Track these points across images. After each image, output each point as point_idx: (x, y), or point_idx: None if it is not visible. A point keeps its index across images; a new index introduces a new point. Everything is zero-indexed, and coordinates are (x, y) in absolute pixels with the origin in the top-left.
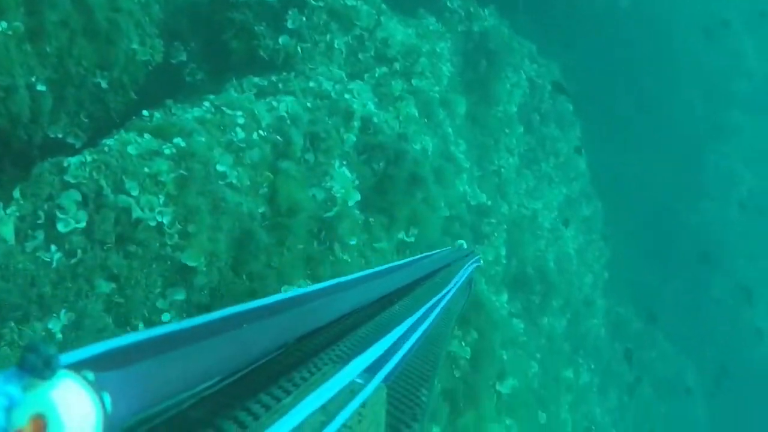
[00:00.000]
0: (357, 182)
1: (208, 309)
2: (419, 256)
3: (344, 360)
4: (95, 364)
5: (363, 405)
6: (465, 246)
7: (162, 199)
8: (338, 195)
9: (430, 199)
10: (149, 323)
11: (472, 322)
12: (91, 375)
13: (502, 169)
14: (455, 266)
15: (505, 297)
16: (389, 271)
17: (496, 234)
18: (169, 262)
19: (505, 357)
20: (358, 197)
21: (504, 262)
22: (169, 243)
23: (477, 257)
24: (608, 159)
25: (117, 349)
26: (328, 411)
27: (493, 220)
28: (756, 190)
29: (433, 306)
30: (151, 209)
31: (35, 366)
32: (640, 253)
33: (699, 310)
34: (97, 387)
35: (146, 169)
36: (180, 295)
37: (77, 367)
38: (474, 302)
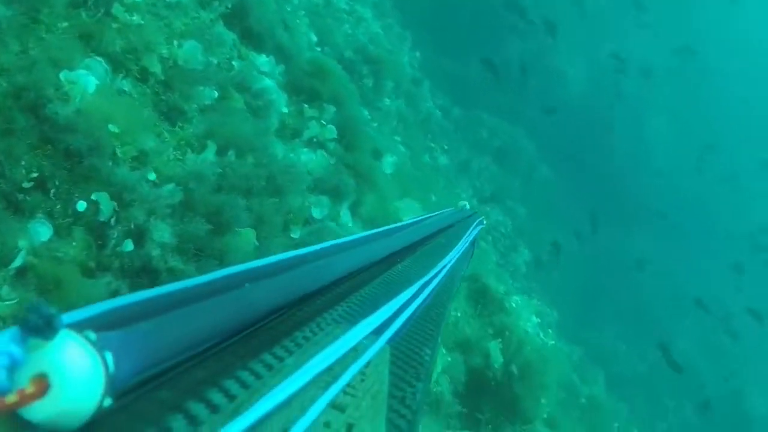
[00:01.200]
0: None
1: None
2: (422, 216)
3: (347, 321)
4: (97, 323)
5: (366, 365)
6: (468, 207)
7: None
8: None
9: None
10: None
11: (323, 93)
12: (93, 335)
13: None
14: (459, 227)
15: None
16: (392, 231)
17: (298, 21)
18: None
19: (371, 133)
20: None
21: (318, 49)
22: None
23: (481, 218)
24: None
25: (118, 308)
26: (333, 371)
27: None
28: None
29: (439, 269)
30: None
31: (37, 326)
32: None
33: None
34: (99, 346)
35: None
36: None
37: (79, 327)
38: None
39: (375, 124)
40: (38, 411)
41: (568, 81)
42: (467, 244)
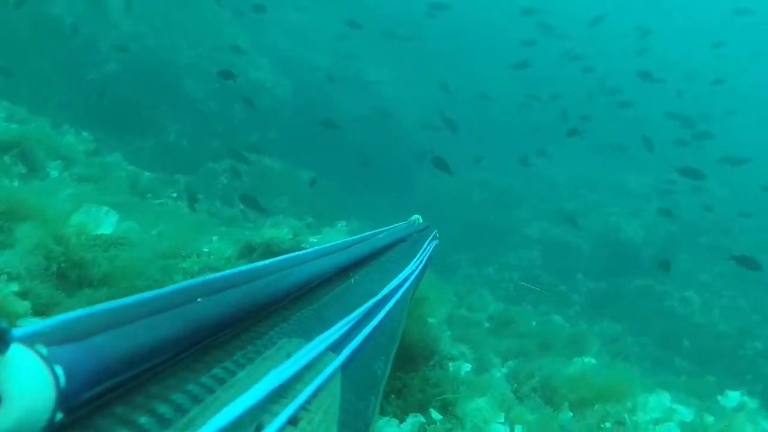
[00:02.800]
0: None
1: None
2: (375, 231)
3: (300, 335)
4: (49, 338)
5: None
6: (420, 220)
7: None
8: None
9: None
10: None
11: None
12: (44, 348)
13: None
14: (412, 241)
15: None
16: (346, 245)
17: None
18: None
19: None
20: None
21: None
22: None
23: (434, 233)
24: None
25: (70, 321)
26: (290, 387)
27: None
28: None
29: (396, 284)
30: None
31: None
32: None
33: None
34: (50, 361)
35: None
36: None
37: (30, 341)
38: None
39: None
40: None
41: None
42: (424, 258)
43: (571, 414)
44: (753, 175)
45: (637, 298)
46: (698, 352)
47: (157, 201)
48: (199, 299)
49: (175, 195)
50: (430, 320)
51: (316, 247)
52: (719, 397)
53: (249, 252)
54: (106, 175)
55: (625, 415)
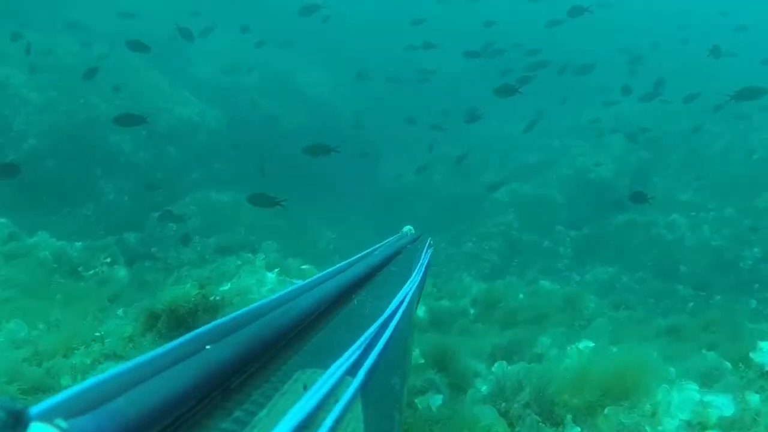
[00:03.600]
0: None
1: None
2: (371, 249)
3: (314, 364)
4: (66, 410)
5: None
6: (413, 230)
7: None
8: None
9: None
10: None
11: None
12: (63, 422)
13: None
14: (408, 252)
15: None
16: (345, 267)
17: None
18: None
19: None
20: None
21: None
22: None
23: (428, 241)
24: None
25: (86, 391)
26: (314, 418)
27: None
28: None
29: (401, 298)
30: None
31: (6, 423)
32: None
33: None
34: None
35: None
36: None
37: (49, 416)
38: None
39: None
40: None
41: None
42: (423, 268)
43: (579, 430)
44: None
45: (624, 235)
46: (698, 274)
47: (90, 272)
48: (208, 346)
49: (109, 260)
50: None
51: (316, 275)
52: (752, 354)
53: (154, 321)
54: (20, 260)
55: (647, 429)
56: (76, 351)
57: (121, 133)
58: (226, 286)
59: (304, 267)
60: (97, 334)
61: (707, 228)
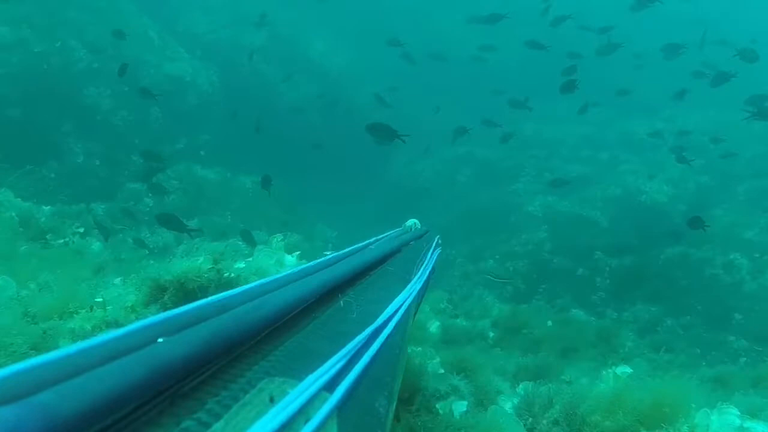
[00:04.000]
0: None
1: None
2: (366, 241)
3: (282, 373)
4: None
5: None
6: (418, 225)
7: None
8: None
9: None
10: None
11: None
12: None
13: None
14: (409, 250)
15: None
16: (329, 262)
17: None
18: None
19: None
20: None
21: None
22: None
23: (436, 239)
24: None
25: (11, 376)
26: None
27: None
28: None
29: (396, 306)
30: None
31: None
32: None
33: None
34: None
35: None
36: None
37: None
38: None
39: None
40: None
41: None
42: (427, 272)
43: None
44: None
45: (673, 271)
46: (755, 325)
47: (60, 241)
48: (160, 339)
49: (82, 230)
50: (409, 348)
51: (295, 268)
52: None
53: (159, 293)
54: None
55: None
56: (75, 315)
57: (99, 87)
58: (242, 263)
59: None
60: (98, 299)
61: None
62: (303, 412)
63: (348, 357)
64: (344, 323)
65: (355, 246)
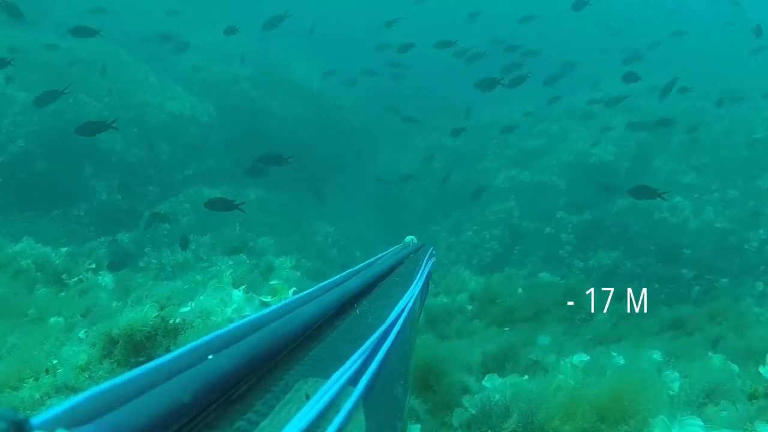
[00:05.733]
0: None
1: None
2: (373, 258)
3: (315, 374)
4: (68, 420)
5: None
6: (415, 241)
7: None
8: None
9: None
10: None
11: None
12: None
13: None
14: (409, 262)
15: None
16: (347, 277)
17: None
18: None
19: None
20: None
21: None
22: None
23: (431, 250)
24: None
25: (87, 400)
26: (317, 427)
27: None
28: None
29: (401, 307)
30: None
31: None
32: None
33: None
34: None
35: None
36: None
37: (50, 426)
38: None
39: None
40: None
41: None
42: (424, 277)
43: None
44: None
45: (626, 219)
46: (703, 257)
47: (74, 279)
48: (210, 356)
49: (93, 266)
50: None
51: (317, 285)
52: (761, 369)
53: (111, 347)
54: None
55: None
56: (24, 383)
57: (111, 132)
58: (186, 307)
59: (273, 282)
60: (50, 363)
61: (711, 210)
62: (333, 405)
63: (366, 354)
64: (361, 327)
65: (364, 263)
